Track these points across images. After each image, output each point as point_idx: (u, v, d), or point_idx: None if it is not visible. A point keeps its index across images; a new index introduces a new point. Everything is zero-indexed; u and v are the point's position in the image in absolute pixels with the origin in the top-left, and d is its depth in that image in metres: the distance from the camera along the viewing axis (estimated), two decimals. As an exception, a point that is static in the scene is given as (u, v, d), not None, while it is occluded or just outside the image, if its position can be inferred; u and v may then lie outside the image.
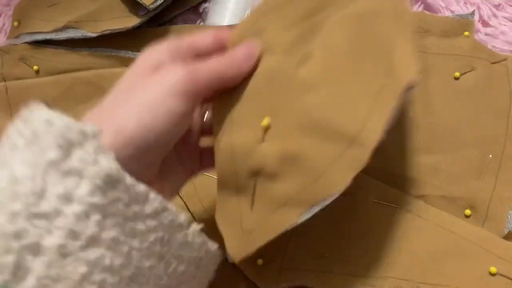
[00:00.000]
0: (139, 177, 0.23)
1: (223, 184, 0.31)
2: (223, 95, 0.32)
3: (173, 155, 0.31)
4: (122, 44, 0.51)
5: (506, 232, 0.38)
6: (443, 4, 0.47)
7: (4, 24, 0.56)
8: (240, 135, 0.31)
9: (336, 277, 0.38)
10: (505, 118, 0.40)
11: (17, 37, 0.53)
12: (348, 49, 0.31)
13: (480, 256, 0.37)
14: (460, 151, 0.40)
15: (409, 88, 0.30)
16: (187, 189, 0.40)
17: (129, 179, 0.22)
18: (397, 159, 0.41)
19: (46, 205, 0.20)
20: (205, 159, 0.34)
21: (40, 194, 0.20)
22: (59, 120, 0.22)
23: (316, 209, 0.29)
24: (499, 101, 0.41)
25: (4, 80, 0.51)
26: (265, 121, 0.30)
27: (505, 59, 0.42)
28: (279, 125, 0.30)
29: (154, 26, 0.52)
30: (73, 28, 0.51)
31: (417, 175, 0.40)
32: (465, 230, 0.38)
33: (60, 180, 0.21)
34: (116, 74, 0.49)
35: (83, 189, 0.21)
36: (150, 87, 0.26)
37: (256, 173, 0.30)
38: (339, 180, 0.28)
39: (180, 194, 0.43)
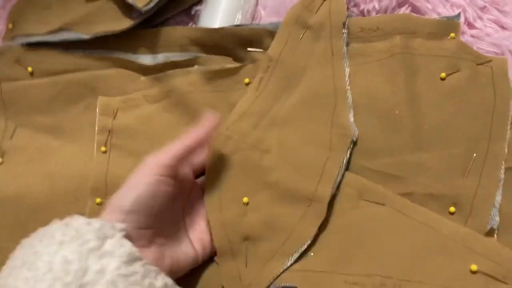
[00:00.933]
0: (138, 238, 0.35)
1: (221, 252, 0.41)
2: (209, 184, 0.43)
3: (173, 228, 0.40)
4: (115, 46, 0.52)
5: (488, 229, 0.38)
6: (430, 7, 0.48)
7: (-1, 27, 0.57)
8: (227, 212, 0.41)
9: (318, 275, 0.39)
10: (489, 118, 0.41)
11: (12, 39, 0.53)
12: (297, 136, 0.43)
13: (462, 254, 0.37)
14: (445, 149, 0.41)
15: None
16: None
17: (144, 260, 0.33)
18: (383, 157, 0.42)
19: (88, 278, 0.30)
20: None
21: (84, 270, 0.30)
22: (95, 221, 0.33)
23: (296, 255, 0.39)
24: (484, 101, 0.42)
25: (-1, 82, 0.52)
26: (245, 199, 0.41)
27: (490, 61, 0.42)
28: (256, 200, 0.41)
29: (147, 27, 0.52)
30: (67, 30, 0.51)
31: (403, 173, 0.41)
32: (448, 228, 0.38)
33: (97, 261, 0.31)
34: (109, 75, 0.51)
35: (112, 265, 0.31)
36: (134, 175, 0.37)
37: (246, 238, 0.41)
38: (307, 231, 0.40)
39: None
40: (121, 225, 0.34)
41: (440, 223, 0.39)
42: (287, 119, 0.44)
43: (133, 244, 0.33)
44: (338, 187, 0.41)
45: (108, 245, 0.32)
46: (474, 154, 0.40)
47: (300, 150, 0.43)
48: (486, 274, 0.36)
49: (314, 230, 0.39)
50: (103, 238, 0.32)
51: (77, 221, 0.33)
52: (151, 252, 0.36)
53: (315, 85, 0.45)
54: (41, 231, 0.34)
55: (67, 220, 0.34)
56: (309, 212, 0.40)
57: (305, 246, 0.39)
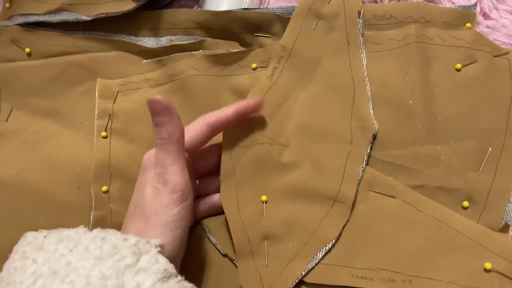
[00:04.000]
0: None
1: (240, 251, 0.39)
2: (225, 181, 0.41)
3: None
4: (117, 28, 0.50)
5: (502, 224, 0.37)
6: (444, -5, 0.47)
7: (-5, 5, 0.55)
8: (245, 211, 0.40)
9: (324, 268, 0.38)
10: (506, 111, 0.40)
11: (9, 18, 0.51)
12: (315, 130, 0.42)
13: (475, 252, 0.36)
14: (459, 142, 0.40)
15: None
16: None
17: (179, 277, 0.32)
18: (395, 149, 0.41)
19: None
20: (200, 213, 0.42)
21: (121, 287, 0.30)
22: (131, 237, 0.32)
23: (320, 255, 0.38)
24: (500, 94, 0.40)
25: (-5, 62, 0.50)
26: (264, 198, 0.40)
27: (507, 53, 0.41)
28: (275, 199, 0.40)
29: (150, 10, 0.50)
30: (67, 10, 0.50)
31: (416, 165, 0.40)
32: (461, 224, 0.37)
33: (133, 277, 0.30)
34: (110, 58, 0.49)
35: (147, 283, 0.30)
36: (161, 197, 0.35)
37: (266, 238, 0.39)
38: (330, 232, 0.38)
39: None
40: (157, 241, 0.33)
41: (452, 218, 0.38)
42: (304, 111, 0.43)
43: (169, 260, 0.32)
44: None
45: (143, 261, 0.31)
46: (490, 148, 0.39)
47: (319, 145, 0.41)
48: (500, 273, 0.35)
49: (338, 230, 0.39)
50: (139, 254, 0.31)
51: (114, 236, 0.32)
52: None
53: (332, 76, 0.43)
54: (66, 236, 0.33)
55: (101, 233, 0.32)
56: (332, 212, 0.39)
57: (329, 246, 0.38)
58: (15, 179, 0.44)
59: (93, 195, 0.43)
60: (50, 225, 0.42)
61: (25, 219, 0.43)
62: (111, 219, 0.42)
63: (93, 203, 0.42)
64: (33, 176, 0.44)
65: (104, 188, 0.43)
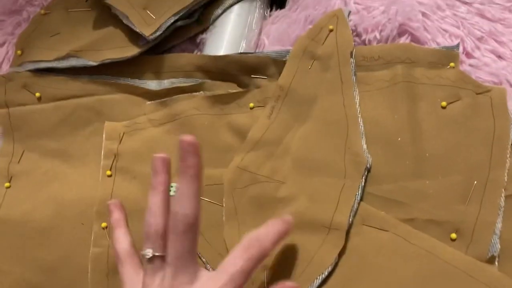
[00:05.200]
0: None
1: None
2: (227, 216, 0.44)
3: None
4: (121, 71, 0.53)
5: (489, 256, 0.39)
6: (429, 36, 0.49)
7: (7, 52, 0.58)
8: None
9: None
10: (489, 146, 0.42)
11: (20, 65, 0.54)
12: (311, 164, 0.44)
13: (465, 282, 0.38)
14: (446, 177, 0.42)
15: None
16: None
17: None
18: (385, 183, 0.43)
19: None
20: None
21: None
22: None
23: (317, 282, 0.40)
24: (484, 129, 0.42)
25: (7, 107, 0.53)
26: None
27: (489, 90, 0.43)
28: None
29: (153, 54, 0.53)
30: (75, 56, 0.53)
31: (405, 199, 0.42)
32: (451, 255, 0.39)
33: None
34: (116, 100, 0.52)
35: None
36: None
37: (265, 268, 0.41)
38: (327, 258, 0.40)
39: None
40: None
41: (442, 250, 0.39)
42: (300, 147, 0.45)
43: None
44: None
45: None
46: (475, 182, 0.41)
47: (314, 179, 0.44)
48: None
49: (334, 257, 0.40)
50: None
51: None
52: None
53: (327, 113, 0.46)
54: None
55: None
56: (328, 240, 0.41)
57: (326, 273, 0.40)
58: (22, 218, 0.46)
59: (93, 232, 0.44)
60: (56, 261, 0.44)
61: (31, 256, 0.45)
62: (107, 254, 0.44)
63: (92, 241, 0.44)
64: (39, 214, 0.46)
65: (104, 224, 0.45)
